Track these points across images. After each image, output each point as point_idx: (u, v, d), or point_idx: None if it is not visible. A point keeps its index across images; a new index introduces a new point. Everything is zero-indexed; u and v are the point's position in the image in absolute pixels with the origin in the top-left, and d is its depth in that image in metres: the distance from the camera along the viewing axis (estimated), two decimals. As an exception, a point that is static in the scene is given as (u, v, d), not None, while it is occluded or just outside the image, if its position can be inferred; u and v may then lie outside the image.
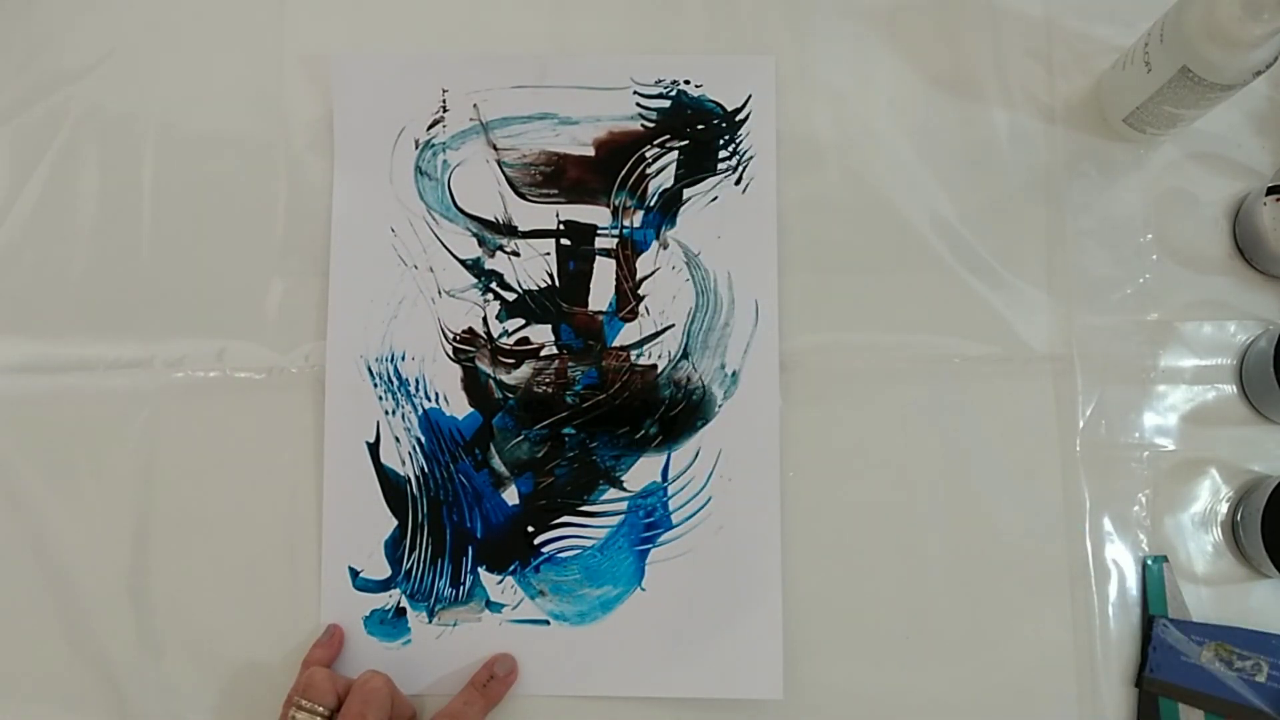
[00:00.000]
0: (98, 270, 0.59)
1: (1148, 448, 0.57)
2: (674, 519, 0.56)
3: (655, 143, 0.59)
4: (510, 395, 0.57)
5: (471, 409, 0.57)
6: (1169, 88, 0.52)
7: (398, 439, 0.57)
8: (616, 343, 0.58)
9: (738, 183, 0.59)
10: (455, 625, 0.56)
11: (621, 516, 0.56)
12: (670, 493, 0.56)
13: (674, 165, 0.59)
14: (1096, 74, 0.59)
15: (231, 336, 0.58)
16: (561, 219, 0.59)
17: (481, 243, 0.59)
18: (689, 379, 0.57)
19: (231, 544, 0.57)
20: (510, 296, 0.58)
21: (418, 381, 0.57)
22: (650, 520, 0.56)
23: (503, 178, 0.59)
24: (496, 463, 0.57)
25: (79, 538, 0.57)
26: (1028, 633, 0.56)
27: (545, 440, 0.57)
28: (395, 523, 0.56)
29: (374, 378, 0.57)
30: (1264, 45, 0.48)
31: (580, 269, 0.58)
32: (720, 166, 0.59)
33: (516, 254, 0.59)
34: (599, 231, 0.59)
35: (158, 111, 0.60)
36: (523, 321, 0.58)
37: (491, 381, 0.58)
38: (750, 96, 0.59)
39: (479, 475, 0.57)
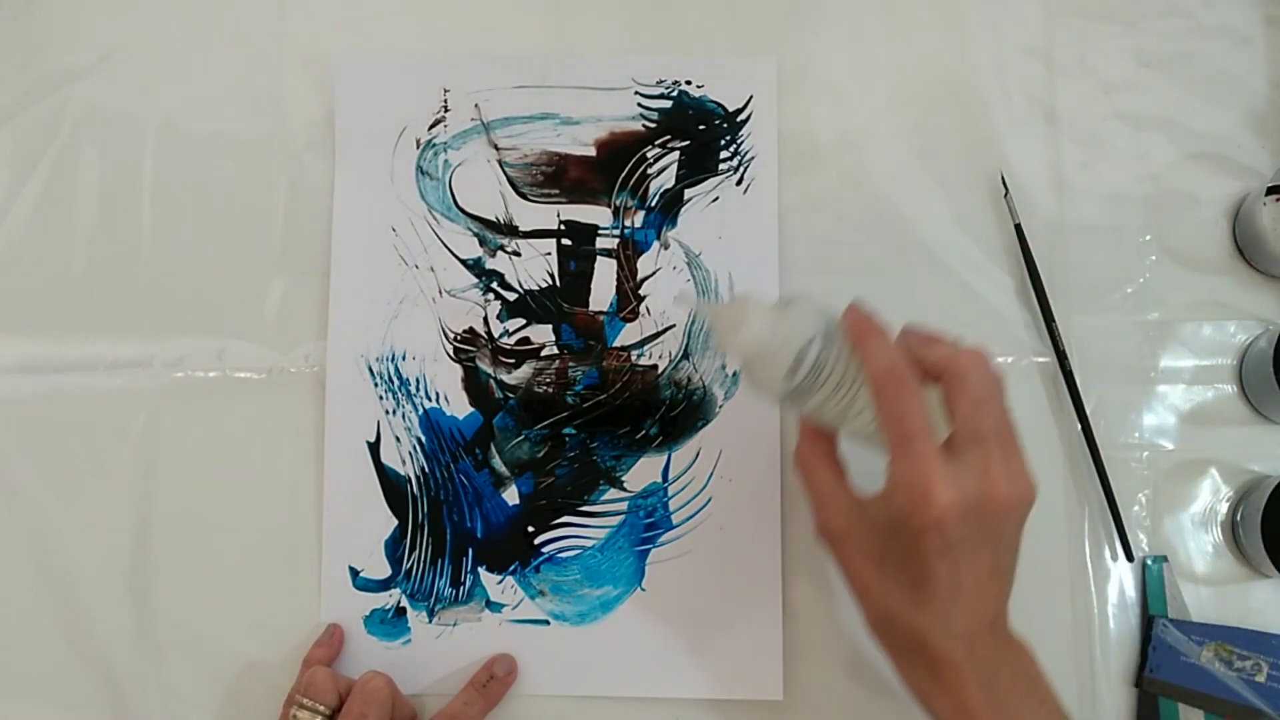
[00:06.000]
0: (98, 270, 0.59)
1: (1148, 448, 0.57)
2: (674, 519, 0.56)
3: (656, 143, 0.59)
4: (511, 395, 0.57)
5: (472, 409, 0.57)
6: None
7: (398, 439, 0.57)
8: (617, 343, 0.58)
9: (739, 183, 0.59)
10: (455, 625, 0.56)
11: (622, 517, 0.56)
12: (670, 493, 0.56)
13: (675, 165, 0.59)
14: (1097, 73, 0.59)
15: (231, 336, 0.58)
16: (562, 219, 0.59)
17: (482, 242, 0.59)
18: (689, 379, 0.57)
19: (231, 544, 0.57)
20: (511, 296, 0.58)
21: (418, 381, 0.57)
22: (650, 520, 0.56)
23: (504, 178, 0.59)
24: (497, 463, 0.57)
25: (79, 538, 0.57)
26: (1027, 633, 0.55)
27: (546, 440, 0.57)
28: (395, 522, 0.56)
29: (374, 377, 0.57)
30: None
31: (581, 269, 0.58)
32: (721, 167, 0.59)
33: (517, 254, 0.58)
34: (600, 231, 0.58)
35: (158, 111, 0.60)
36: (523, 321, 0.58)
37: (492, 381, 0.58)
38: (751, 97, 0.59)
39: (479, 475, 0.57)
